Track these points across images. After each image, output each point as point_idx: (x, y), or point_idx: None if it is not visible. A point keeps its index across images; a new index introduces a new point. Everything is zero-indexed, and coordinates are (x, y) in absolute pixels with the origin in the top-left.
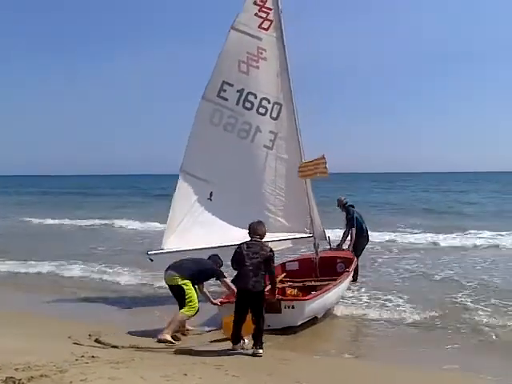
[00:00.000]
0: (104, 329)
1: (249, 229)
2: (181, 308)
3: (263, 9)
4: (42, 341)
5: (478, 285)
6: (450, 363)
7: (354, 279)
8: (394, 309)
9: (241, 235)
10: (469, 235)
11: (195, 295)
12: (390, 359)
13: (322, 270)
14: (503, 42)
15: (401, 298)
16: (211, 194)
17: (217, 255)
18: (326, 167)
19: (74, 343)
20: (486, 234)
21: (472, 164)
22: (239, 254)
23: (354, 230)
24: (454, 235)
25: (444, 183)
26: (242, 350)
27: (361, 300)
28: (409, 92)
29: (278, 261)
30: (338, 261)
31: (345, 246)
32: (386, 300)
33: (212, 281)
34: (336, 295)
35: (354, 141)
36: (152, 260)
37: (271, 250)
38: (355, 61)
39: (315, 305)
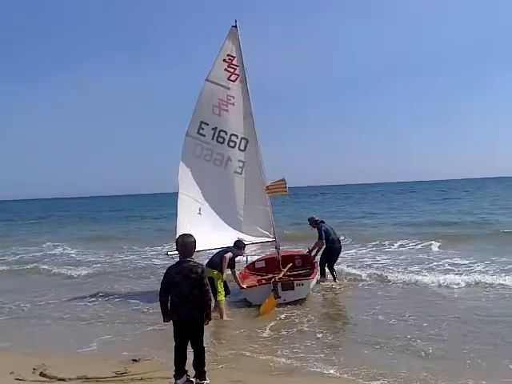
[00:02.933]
0: (49, 360)
1: (177, 245)
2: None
3: (231, 65)
4: None
5: None
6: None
7: (334, 278)
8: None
9: (221, 241)
10: None
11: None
12: (356, 374)
13: (284, 265)
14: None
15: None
16: (200, 210)
17: (240, 240)
18: (286, 186)
19: (17, 379)
20: None
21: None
22: (167, 282)
23: (321, 243)
24: None
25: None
26: None
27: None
28: None
29: (248, 260)
30: (296, 257)
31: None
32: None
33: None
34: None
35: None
36: (173, 258)
37: (202, 272)
38: None
39: (313, 282)
